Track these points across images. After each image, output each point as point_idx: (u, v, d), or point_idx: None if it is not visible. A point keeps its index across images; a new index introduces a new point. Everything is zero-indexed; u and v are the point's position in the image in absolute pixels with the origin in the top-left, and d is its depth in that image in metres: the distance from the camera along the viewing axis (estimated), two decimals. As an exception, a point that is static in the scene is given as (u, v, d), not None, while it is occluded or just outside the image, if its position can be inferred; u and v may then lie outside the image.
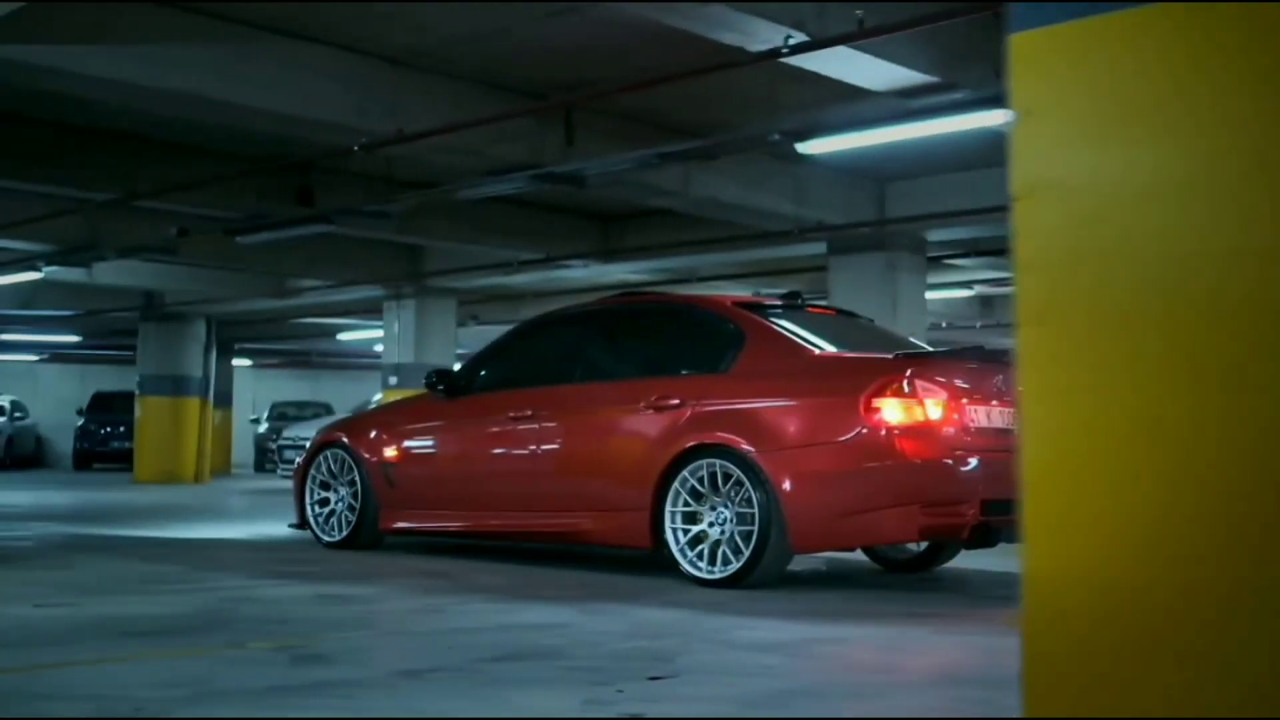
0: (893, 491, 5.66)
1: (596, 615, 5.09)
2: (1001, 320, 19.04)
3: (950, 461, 5.72)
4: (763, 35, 6.26)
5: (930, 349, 6.63)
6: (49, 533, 9.23)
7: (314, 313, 20.47)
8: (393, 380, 16.33)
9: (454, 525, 7.24)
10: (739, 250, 13.29)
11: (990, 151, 10.99)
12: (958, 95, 7.08)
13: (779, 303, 6.77)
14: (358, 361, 30.19)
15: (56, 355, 28.08)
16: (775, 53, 6.28)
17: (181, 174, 10.76)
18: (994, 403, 5.99)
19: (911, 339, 7.45)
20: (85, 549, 7.83)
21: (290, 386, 30.69)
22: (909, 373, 5.76)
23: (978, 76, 7.21)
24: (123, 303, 19.18)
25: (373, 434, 7.68)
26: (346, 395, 29.60)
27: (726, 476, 5.95)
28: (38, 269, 13.86)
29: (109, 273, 15.45)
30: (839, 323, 6.97)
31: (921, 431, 5.68)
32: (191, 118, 8.59)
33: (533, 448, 6.84)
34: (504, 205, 12.63)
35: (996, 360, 6.20)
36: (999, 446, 5.84)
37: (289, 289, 17.83)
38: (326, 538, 7.76)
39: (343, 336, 22.99)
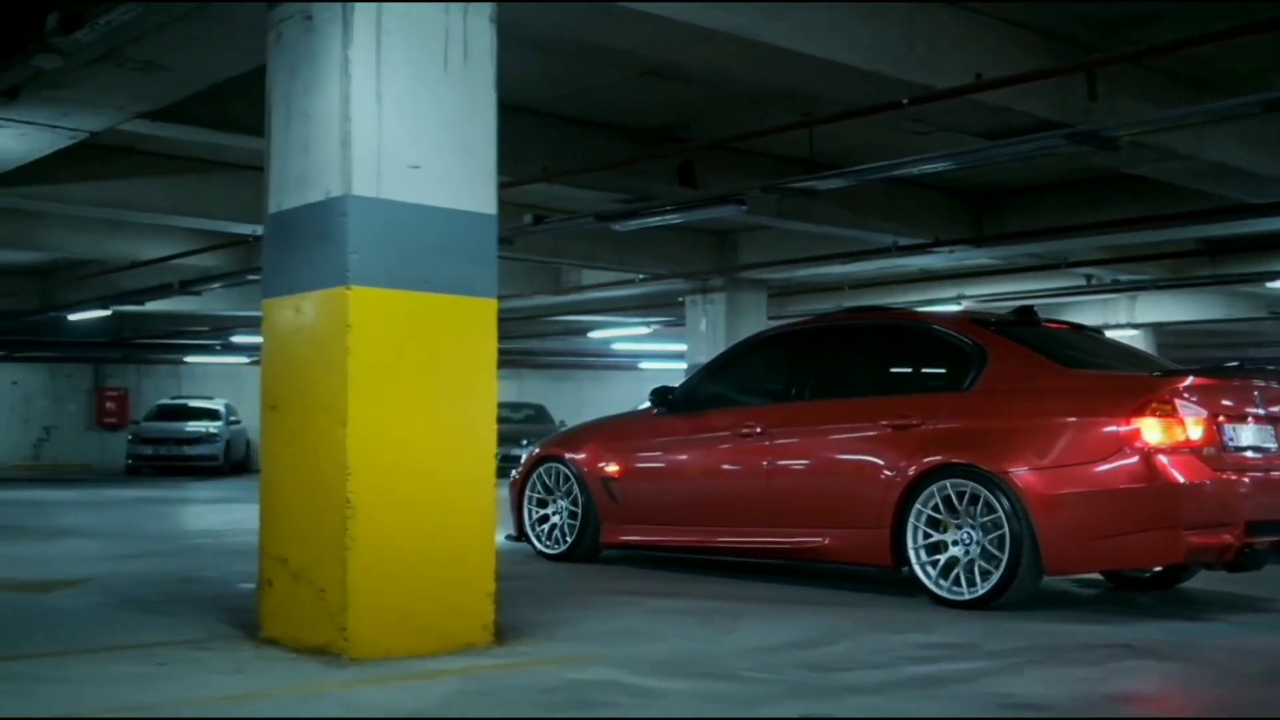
0: (1154, 513, 5.50)
1: None
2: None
3: (1213, 482, 5.55)
4: None
5: (1182, 366, 6.25)
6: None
7: (583, 310, 19.06)
8: (701, 383, 14.79)
9: (682, 540, 7.22)
10: (1159, 230, 11.46)
11: None
12: None
13: (1015, 319, 6.57)
14: (573, 361, 28.90)
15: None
16: None
17: (567, 153, 9.37)
18: (1254, 421, 5.84)
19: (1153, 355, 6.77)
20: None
21: (499, 386, 29.43)
22: (1170, 391, 5.62)
23: None
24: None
25: (593, 449, 7.70)
26: (551, 395, 28.35)
27: (974, 497, 5.80)
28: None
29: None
30: (1079, 339, 6.73)
31: (1184, 451, 5.55)
32: (719, 67, 6.90)
33: (765, 464, 6.74)
34: (889, 185, 10.96)
35: (1257, 376, 6.09)
36: (1261, 466, 5.79)
37: (565, 285, 16.45)
38: (547, 550, 7.80)
39: (594, 334, 21.62)
